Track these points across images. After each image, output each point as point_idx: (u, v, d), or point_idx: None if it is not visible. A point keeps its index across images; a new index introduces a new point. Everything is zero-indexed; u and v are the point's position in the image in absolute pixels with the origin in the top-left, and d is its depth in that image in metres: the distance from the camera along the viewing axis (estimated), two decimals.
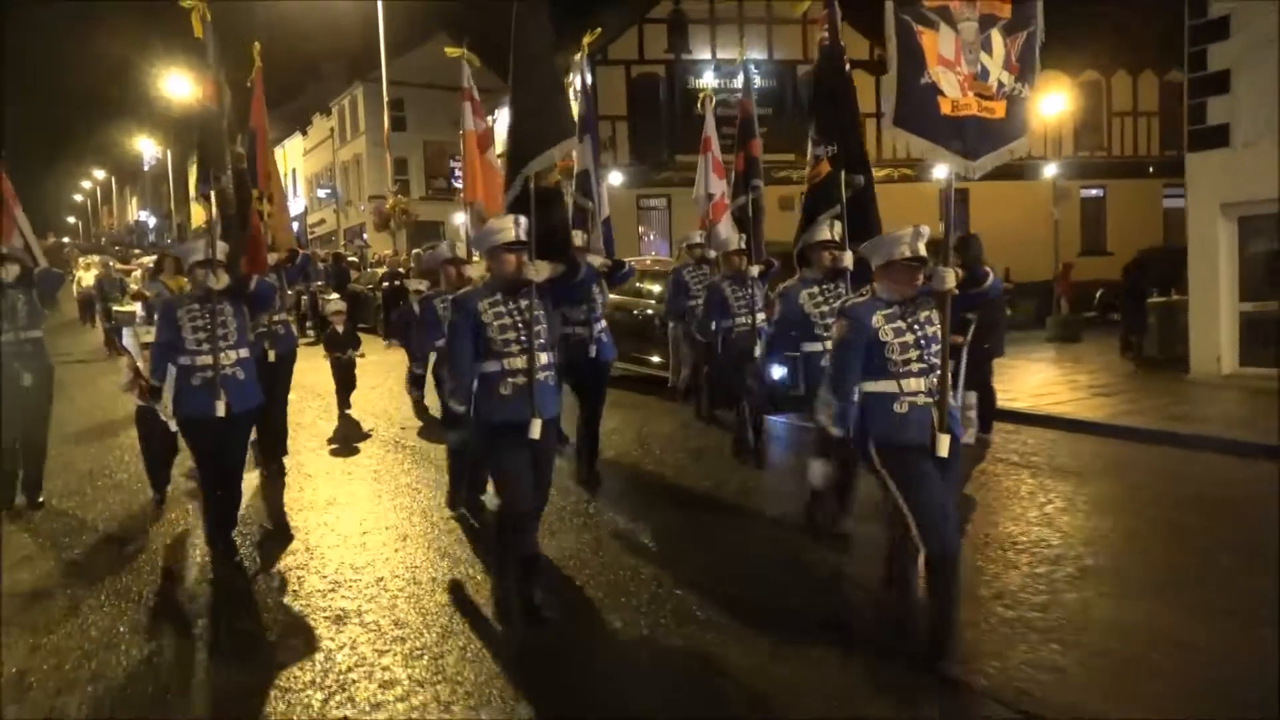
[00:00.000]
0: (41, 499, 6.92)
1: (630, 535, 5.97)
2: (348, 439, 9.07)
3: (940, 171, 14.77)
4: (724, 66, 25.33)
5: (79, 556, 5.85)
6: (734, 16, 25.57)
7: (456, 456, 6.40)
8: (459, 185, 34.66)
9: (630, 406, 10.25)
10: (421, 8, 35.70)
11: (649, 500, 6.83)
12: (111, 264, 23.06)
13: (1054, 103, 18.37)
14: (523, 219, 4.60)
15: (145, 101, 49.46)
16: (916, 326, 4.00)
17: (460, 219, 34.38)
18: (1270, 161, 10.50)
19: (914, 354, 3.94)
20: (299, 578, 5.32)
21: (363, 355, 10.32)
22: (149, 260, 24.05)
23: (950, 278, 3.83)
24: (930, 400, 3.94)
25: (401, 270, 19.67)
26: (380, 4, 26.01)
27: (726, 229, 8.34)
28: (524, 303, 4.58)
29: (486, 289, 4.63)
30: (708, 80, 25.10)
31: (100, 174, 79.87)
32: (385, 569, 5.44)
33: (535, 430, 4.50)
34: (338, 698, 3.89)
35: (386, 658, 4.25)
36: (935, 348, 3.96)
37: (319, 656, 4.29)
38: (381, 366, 12.32)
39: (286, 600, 5.02)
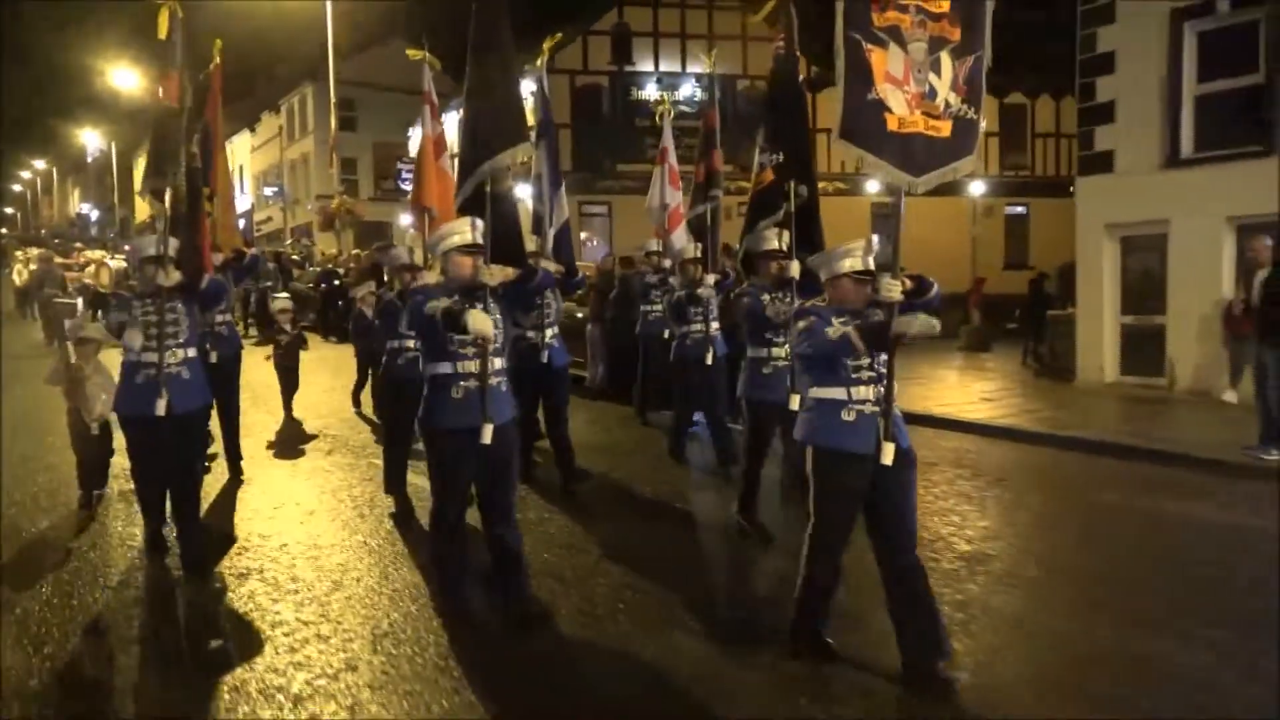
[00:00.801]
0: None
1: (577, 540, 5.83)
2: (291, 441, 8.81)
3: (873, 186, 15.24)
4: (666, 79, 25.49)
5: (16, 554, 5.58)
6: (677, 30, 25.78)
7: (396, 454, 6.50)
8: (406, 187, 34.42)
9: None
10: (377, 9, 35.11)
11: (593, 504, 6.67)
12: (53, 257, 22.44)
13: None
14: (479, 221, 4.48)
15: (90, 92, 47.72)
16: None
17: (407, 220, 34.09)
18: (1149, 187, 11.39)
19: (865, 361, 3.90)
20: (241, 580, 5.11)
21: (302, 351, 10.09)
22: (98, 254, 23.31)
23: (897, 289, 3.79)
24: (876, 409, 3.89)
25: (340, 270, 19.29)
26: (329, 5, 25.50)
27: (681, 239, 8.26)
28: (478, 306, 4.39)
29: (441, 290, 4.46)
30: (650, 92, 25.29)
31: (40, 164, 76.94)
32: (332, 563, 5.30)
33: (487, 435, 4.33)
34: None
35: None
36: (883, 357, 3.92)
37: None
38: (326, 365, 12.07)
39: (223, 605, 4.81)
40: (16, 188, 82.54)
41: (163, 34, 5.37)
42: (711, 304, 7.56)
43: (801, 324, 3.99)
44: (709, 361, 7.47)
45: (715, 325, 7.63)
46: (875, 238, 4.02)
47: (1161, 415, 10.12)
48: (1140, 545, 5.89)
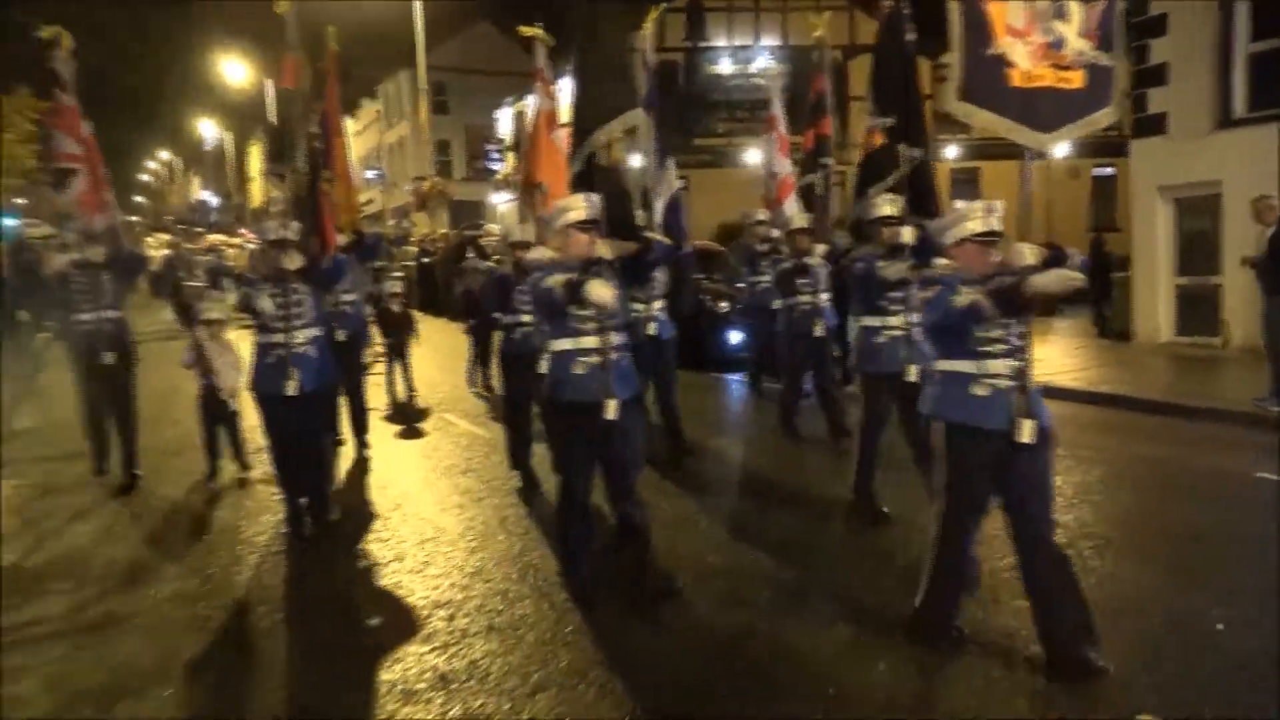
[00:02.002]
0: (138, 472, 6.84)
1: (690, 519, 5.70)
2: (411, 419, 8.82)
3: (951, 152, 15.02)
4: (739, 53, 25.68)
5: (159, 533, 5.80)
6: (750, 4, 25.92)
7: (518, 429, 6.39)
8: (495, 167, 35.51)
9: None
10: None
11: (707, 481, 6.56)
12: (181, 243, 22.85)
13: None
14: (594, 197, 4.34)
15: (206, 86, 50.40)
16: None
17: (497, 199, 35.18)
18: (1202, 149, 11.19)
19: (997, 334, 3.57)
20: (379, 560, 5.15)
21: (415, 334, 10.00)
22: (219, 238, 24.81)
23: (1028, 254, 3.48)
24: (1012, 384, 3.57)
25: (430, 249, 20.35)
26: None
27: (792, 208, 7.99)
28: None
29: (560, 267, 4.33)
30: (724, 66, 25.56)
31: (165, 155, 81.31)
32: (463, 541, 5.38)
33: (611, 410, 4.19)
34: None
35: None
36: (1018, 329, 3.60)
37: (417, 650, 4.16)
38: (427, 342, 12.16)
39: (362, 579, 4.94)
40: (145, 178, 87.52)
41: (281, 10, 5.46)
42: (820, 275, 7.28)
43: (926, 292, 3.70)
44: (818, 333, 7.23)
45: (824, 296, 7.38)
46: (996, 202, 3.65)
47: (1210, 373, 10.19)
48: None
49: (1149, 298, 12.22)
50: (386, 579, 4.92)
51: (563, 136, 6.92)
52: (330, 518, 5.69)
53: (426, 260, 19.39)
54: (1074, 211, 22.24)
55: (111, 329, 6.59)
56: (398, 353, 9.87)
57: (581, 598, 4.42)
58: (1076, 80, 3.60)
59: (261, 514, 6.11)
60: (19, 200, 23.04)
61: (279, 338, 5.28)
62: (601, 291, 3.92)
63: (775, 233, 8.47)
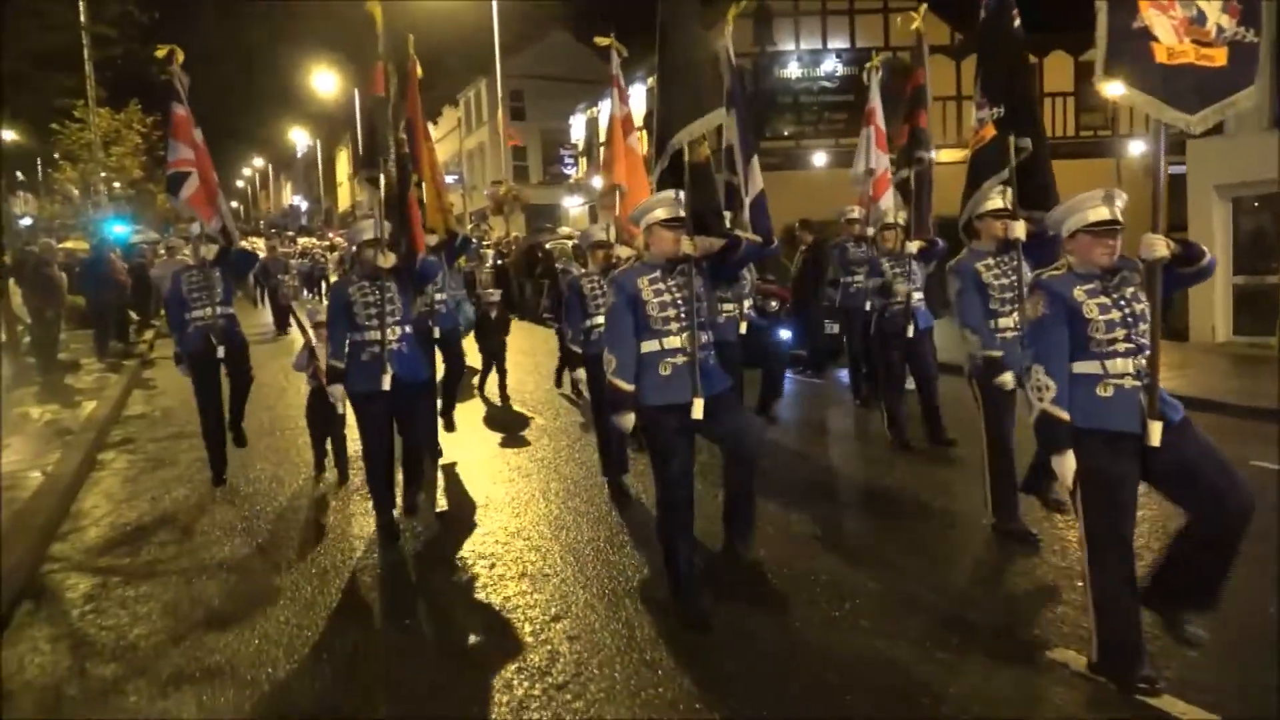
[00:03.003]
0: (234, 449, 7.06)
1: (792, 528, 5.50)
2: (503, 423, 8.75)
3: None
4: (807, 56, 25.88)
5: (261, 533, 5.83)
6: (818, 9, 26.08)
7: (612, 434, 6.13)
8: (569, 172, 36.28)
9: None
10: (540, 4, 37.09)
11: (807, 491, 6.22)
12: (277, 246, 22.94)
13: None
14: (680, 194, 4.24)
15: (298, 96, 52.55)
16: (1123, 302, 3.40)
17: (571, 202, 35.90)
18: (1259, 147, 10.86)
19: (1120, 333, 3.35)
20: (473, 567, 5.07)
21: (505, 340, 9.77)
22: (310, 241, 25.77)
23: (1160, 246, 3.27)
24: (1138, 383, 3.34)
25: (505, 252, 21.01)
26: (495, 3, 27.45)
27: (889, 203, 7.70)
28: (683, 280, 4.20)
29: (645, 267, 4.26)
30: (792, 70, 25.77)
31: (259, 162, 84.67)
32: (556, 547, 5.41)
33: (698, 410, 4.10)
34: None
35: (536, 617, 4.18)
36: (1144, 326, 3.37)
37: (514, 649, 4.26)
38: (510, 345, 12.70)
39: (444, 576, 4.97)
40: (240, 184, 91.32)
41: (379, 27, 5.51)
42: (915, 273, 7.00)
43: (1037, 309, 3.48)
44: (910, 334, 6.94)
45: (918, 296, 6.99)
46: (1117, 190, 3.45)
47: (1265, 372, 9.65)
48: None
49: (1205, 297, 11.87)
50: (481, 590, 4.92)
51: (639, 139, 6.99)
52: (417, 507, 5.75)
53: (501, 263, 20.08)
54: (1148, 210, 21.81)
55: (225, 324, 6.73)
56: (494, 357, 9.68)
57: (692, 612, 4.17)
58: (1219, 58, 3.34)
59: (355, 502, 6.30)
60: (127, 207, 24.50)
61: (373, 335, 5.30)
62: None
63: (870, 230, 8.19)
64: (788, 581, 4.62)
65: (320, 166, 65.46)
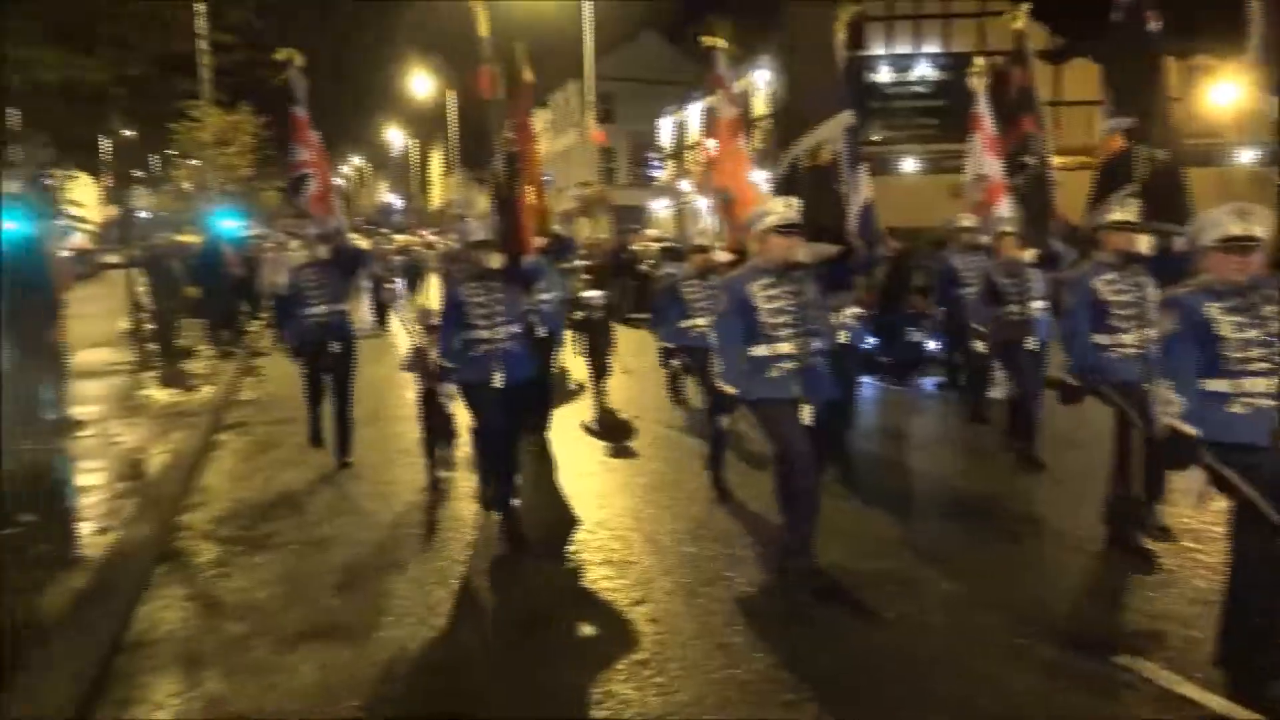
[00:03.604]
0: (349, 461, 7.20)
1: (869, 530, 5.54)
2: (608, 428, 8.55)
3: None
4: (899, 61, 25.70)
5: (366, 512, 6.22)
6: (910, 12, 25.86)
7: (719, 439, 6.23)
8: (655, 174, 36.63)
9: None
10: (631, 6, 37.58)
11: (919, 507, 6.16)
12: (380, 242, 23.03)
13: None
14: (795, 201, 4.27)
15: (395, 96, 54.29)
16: (1259, 321, 3.33)
17: (657, 204, 36.20)
18: None
19: (1256, 352, 3.30)
20: (581, 561, 5.21)
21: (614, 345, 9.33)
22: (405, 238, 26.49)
23: None
24: (1274, 403, 3.29)
25: (592, 253, 21.35)
26: (588, 9, 28.03)
27: (1005, 210, 7.46)
28: (796, 286, 4.26)
29: (757, 272, 4.33)
30: (883, 75, 25.64)
31: (357, 160, 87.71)
32: (661, 548, 5.53)
33: (806, 416, 4.21)
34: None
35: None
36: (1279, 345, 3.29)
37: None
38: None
39: (556, 572, 5.10)
40: (340, 182, 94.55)
41: (484, 31, 5.76)
42: (1032, 282, 6.75)
43: (1168, 325, 3.45)
44: (1030, 346, 6.62)
45: (1037, 306, 6.73)
46: (1255, 206, 3.40)
47: None
48: None
49: None
50: (587, 582, 5.12)
51: (745, 143, 7.02)
52: (514, 503, 5.77)
53: (588, 264, 20.51)
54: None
55: (339, 320, 7.03)
56: (598, 361, 9.32)
57: (801, 572, 4.43)
58: None
59: (457, 488, 6.65)
60: (238, 203, 25.76)
61: (483, 334, 5.47)
62: None
63: (984, 239, 7.89)
64: (864, 580, 4.78)
65: (414, 166, 67.39)
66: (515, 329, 5.57)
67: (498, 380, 5.36)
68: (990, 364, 7.72)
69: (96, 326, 13.89)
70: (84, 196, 22.20)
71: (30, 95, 11.09)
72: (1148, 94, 5.12)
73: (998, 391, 7.67)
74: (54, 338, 8.27)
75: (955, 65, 25.13)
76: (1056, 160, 7.33)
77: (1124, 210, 5.01)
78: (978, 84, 8.22)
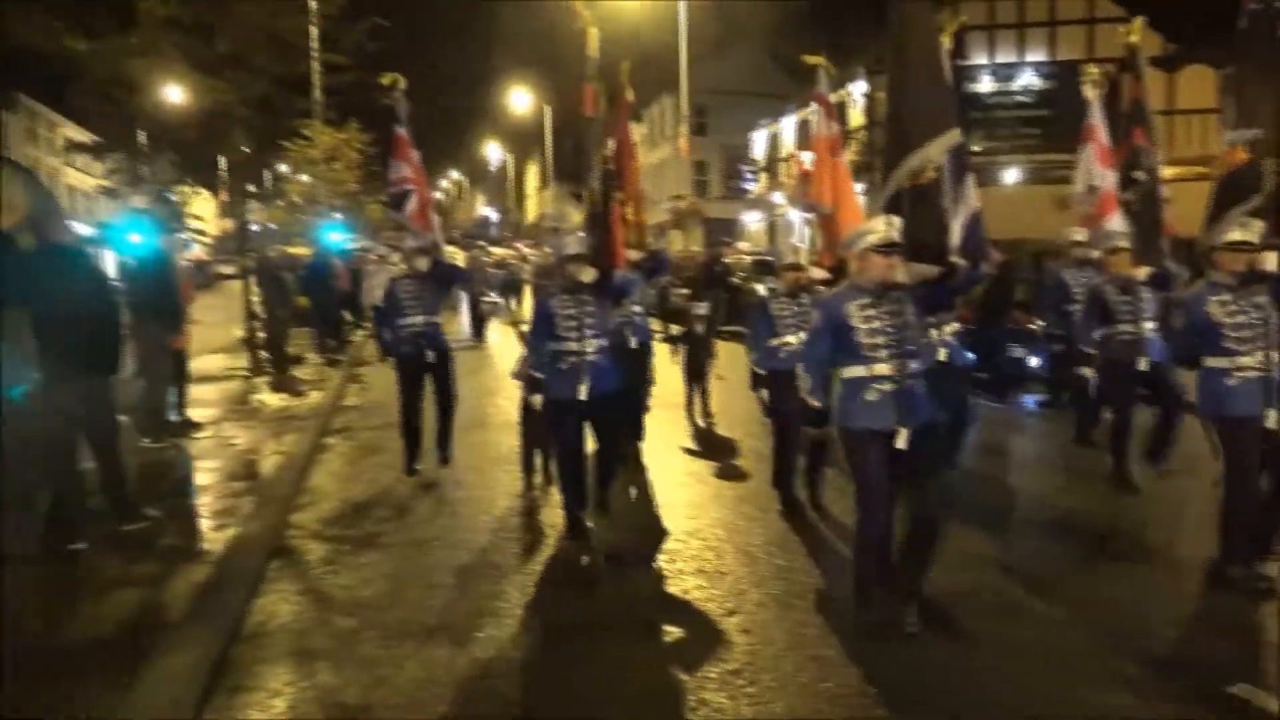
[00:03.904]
0: (448, 456, 7.46)
1: (970, 549, 5.40)
2: (705, 444, 8.59)
3: None
4: (1001, 70, 25.05)
5: (465, 516, 6.41)
6: (1014, 20, 25.20)
7: (816, 452, 6.22)
8: (749, 188, 36.55)
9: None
10: (726, 19, 37.73)
11: (1017, 525, 6.05)
12: (479, 256, 23.01)
13: None
14: (896, 219, 4.19)
15: (493, 112, 55.72)
16: None
17: (750, 218, 36.12)
18: None
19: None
20: (673, 572, 5.25)
21: (714, 357, 9.39)
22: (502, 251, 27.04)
23: None
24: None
25: (684, 266, 21.41)
26: (683, 22, 28.24)
27: (1116, 224, 7.24)
28: (895, 307, 4.17)
29: (855, 291, 4.27)
30: (984, 85, 25.06)
31: (455, 174, 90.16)
32: (751, 560, 5.67)
33: (902, 440, 4.06)
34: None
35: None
36: None
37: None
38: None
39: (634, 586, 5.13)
40: (437, 195, 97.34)
41: (593, 52, 5.87)
42: (1145, 300, 6.53)
43: None
44: (1142, 367, 6.41)
45: (1150, 325, 6.51)
46: None
47: None
48: None
49: None
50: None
51: (844, 160, 6.96)
52: (607, 506, 6.03)
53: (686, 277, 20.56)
54: None
55: (433, 332, 7.26)
56: (698, 376, 9.29)
57: (875, 631, 4.22)
58: None
59: (553, 497, 6.74)
60: (344, 217, 26.76)
61: (572, 346, 5.58)
62: None
63: (1094, 254, 7.67)
64: (959, 597, 4.71)
65: (510, 180, 68.84)
66: (603, 342, 5.65)
67: (583, 392, 5.45)
68: (1097, 383, 7.41)
69: (214, 334, 14.65)
70: (203, 210, 23.40)
71: (157, 116, 11.81)
72: (1275, 105, 4.88)
73: (1107, 412, 7.38)
74: (177, 344, 8.76)
75: (1061, 74, 24.44)
76: (1169, 172, 7.22)
77: (1244, 230, 4.80)
78: (1092, 92, 8.01)
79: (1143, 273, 6.50)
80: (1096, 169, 7.74)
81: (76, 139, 26.33)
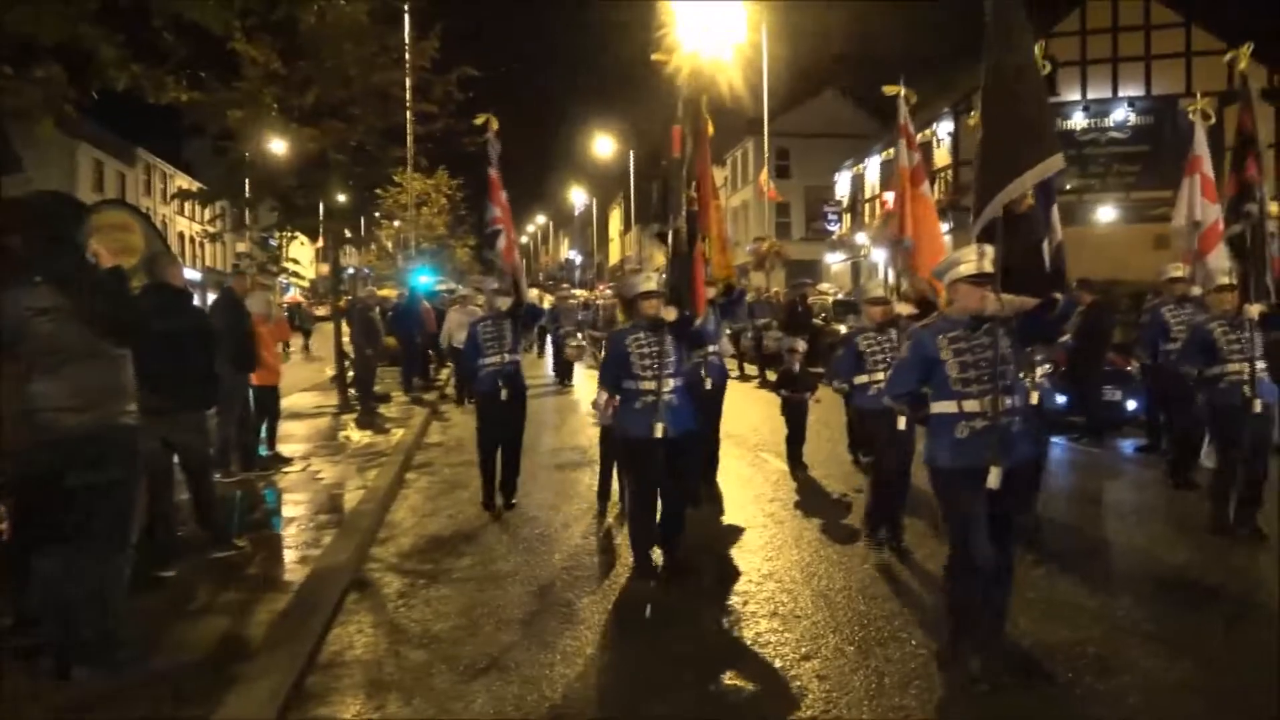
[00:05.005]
0: (515, 500, 7.56)
1: (1059, 597, 5.24)
2: (752, 466, 8.65)
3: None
4: (1094, 106, 24.36)
5: (541, 552, 6.51)
6: (1107, 56, 24.54)
7: (889, 494, 6.14)
8: (831, 228, 36.31)
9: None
10: (809, 66, 37.86)
11: (1117, 577, 5.76)
12: (568, 298, 23.56)
13: None
14: (989, 248, 4.01)
15: (577, 157, 56.84)
16: None
17: (832, 258, 35.82)
18: None
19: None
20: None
21: (818, 400, 8.86)
22: (585, 294, 27.43)
23: None
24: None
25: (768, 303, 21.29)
26: (765, 70, 28.43)
27: (1218, 260, 7.04)
28: (988, 340, 3.98)
29: (947, 323, 4.13)
30: (1077, 120, 24.37)
31: (541, 219, 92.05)
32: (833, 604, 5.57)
33: (994, 479, 3.85)
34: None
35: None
36: None
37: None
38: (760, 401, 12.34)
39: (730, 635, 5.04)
40: (523, 239, 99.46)
41: (684, 91, 5.93)
42: (1255, 340, 6.22)
43: None
44: (1256, 410, 6.10)
45: (1261, 365, 6.21)
46: None
47: None
48: None
49: None
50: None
51: (929, 190, 6.85)
52: (676, 554, 5.86)
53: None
54: None
55: (511, 369, 7.36)
56: (795, 415, 8.93)
57: (977, 676, 4.02)
58: None
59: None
60: (433, 260, 27.54)
61: (648, 385, 5.59)
62: None
63: (1196, 290, 7.48)
64: (1054, 650, 4.49)
65: (594, 223, 69.92)
66: (678, 382, 5.64)
67: (658, 431, 5.43)
68: (1201, 426, 7.13)
69: (306, 372, 15.14)
70: (301, 255, 24.36)
71: (260, 164, 12.37)
72: None
73: (1208, 458, 7.02)
74: (270, 381, 9.04)
75: (1158, 109, 23.69)
76: (1275, 208, 6.80)
77: None
78: (1198, 123, 7.66)
79: (1255, 311, 6.17)
80: (1200, 202, 7.44)
81: (187, 188, 27.76)
